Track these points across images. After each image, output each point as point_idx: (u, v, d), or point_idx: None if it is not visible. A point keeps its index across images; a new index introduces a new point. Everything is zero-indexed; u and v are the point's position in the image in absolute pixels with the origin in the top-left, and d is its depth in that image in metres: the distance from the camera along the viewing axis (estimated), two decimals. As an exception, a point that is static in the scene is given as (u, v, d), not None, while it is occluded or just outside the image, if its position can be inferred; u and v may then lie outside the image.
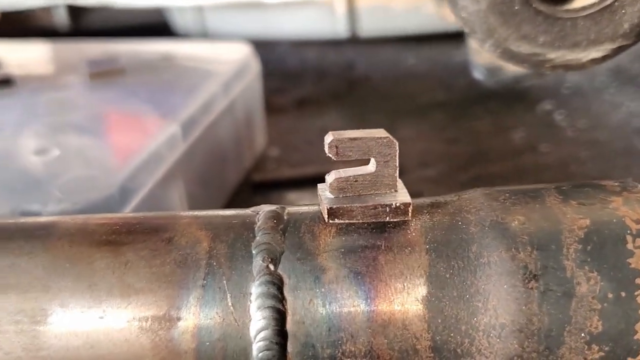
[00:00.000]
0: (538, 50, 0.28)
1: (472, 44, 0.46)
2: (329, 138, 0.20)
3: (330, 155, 0.20)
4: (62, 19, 0.69)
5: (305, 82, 0.59)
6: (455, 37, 0.56)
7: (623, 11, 0.27)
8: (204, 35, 0.68)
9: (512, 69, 0.46)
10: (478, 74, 0.49)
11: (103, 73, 0.36)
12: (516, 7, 0.27)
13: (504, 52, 0.28)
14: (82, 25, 0.72)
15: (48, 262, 0.20)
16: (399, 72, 0.58)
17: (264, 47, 0.69)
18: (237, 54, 0.41)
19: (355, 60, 0.63)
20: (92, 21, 0.75)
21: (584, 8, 0.27)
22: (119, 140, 0.30)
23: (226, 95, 0.38)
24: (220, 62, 0.40)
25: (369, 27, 0.58)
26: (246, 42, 0.43)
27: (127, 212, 0.26)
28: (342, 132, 0.21)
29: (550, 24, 0.27)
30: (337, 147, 0.20)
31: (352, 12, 0.58)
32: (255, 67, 0.42)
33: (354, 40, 0.61)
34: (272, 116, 0.50)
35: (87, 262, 0.20)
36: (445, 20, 0.52)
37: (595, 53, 0.28)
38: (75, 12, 0.69)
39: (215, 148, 0.36)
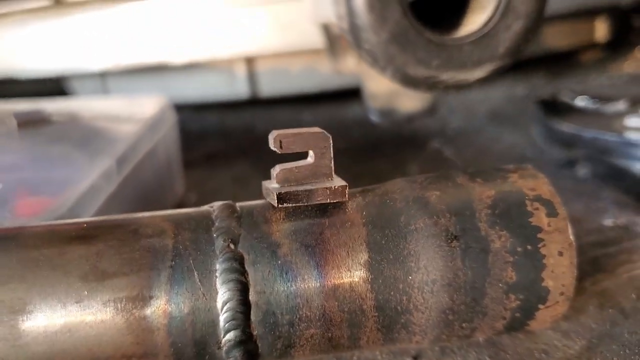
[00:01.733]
0: (432, 73, 0.33)
1: (368, 90, 0.51)
2: (273, 134, 0.24)
3: (274, 149, 0.24)
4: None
5: (210, 140, 0.62)
6: (350, 94, 0.61)
7: (498, 37, 0.33)
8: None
9: (404, 110, 0.52)
10: (374, 117, 0.54)
11: (30, 123, 0.37)
12: (411, 37, 0.32)
13: (403, 76, 0.33)
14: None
15: (23, 257, 0.21)
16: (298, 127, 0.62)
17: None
18: (156, 104, 0.44)
19: (255, 120, 0.67)
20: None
21: (467, 36, 0.33)
22: (55, 175, 0.32)
23: (150, 139, 0.40)
24: (142, 112, 0.42)
25: (268, 87, 0.63)
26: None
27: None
28: (284, 130, 0.24)
29: (440, 50, 0.32)
30: (280, 141, 0.24)
31: (251, 75, 0.62)
32: (172, 116, 0.45)
33: (254, 101, 0.65)
34: (186, 168, 0.52)
35: (60, 254, 0.21)
36: (341, 76, 0.57)
37: (479, 73, 0.33)
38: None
39: (142, 186, 0.38)
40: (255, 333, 0.22)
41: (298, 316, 0.22)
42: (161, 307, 0.21)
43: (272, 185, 0.24)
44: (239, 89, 0.64)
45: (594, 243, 0.34)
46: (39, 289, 0.21)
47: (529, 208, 0.24)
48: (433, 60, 0.32)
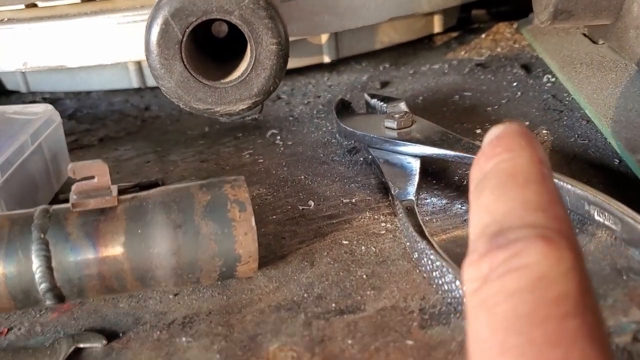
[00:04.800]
0: (209, 107, 0.48)
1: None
2: (70, 166, 0.40)
3: (69, 175, 0.39)
4: None
5: (108, 123, 0.78)
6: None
7: (252, 82, 0.48)
8: (28, 90, 0.84)
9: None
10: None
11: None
12: (191, 84, 0.47)
13: (191, 108, 0.49)
14: None
15: None
16: (182, 111, 0.77)
17: (80, 96, 0.86)
18: (42, 110, 0.59)
19: (151, 103, 0.82)
20: None
21: (231, 80, 0.48)
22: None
23: (34, 140, 0.56)
24: (29, 117, 0.58)
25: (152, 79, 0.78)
26: (62, 98, 0.61)
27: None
28: (77, 162, 0.40)
29: (212, 91, 0.48)
30: (73, 171, 0.39)
31: (140, 69, 0.78)
32: (56, 118, 0.60)
33: (145, 89, 0.81)
34: (79, 152, 0.68)
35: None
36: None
37: (242, 106, 0.49)
38: None
39: (27, 178, 0.54)
40: (58, 285, 0.39)
41: (83, 274, 0.39)
42: (0, 272, 0.38)
43: (72, 196, 0.40)
44: (132, 80, 0.79)
45: (327, 216, 0.50)
46: None
47: (229, 207, 0.40)
48: (209, 98, 0.48)
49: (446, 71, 0.81)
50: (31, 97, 0.86)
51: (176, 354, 0.38)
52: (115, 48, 0.69)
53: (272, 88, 0.49)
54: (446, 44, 0.92)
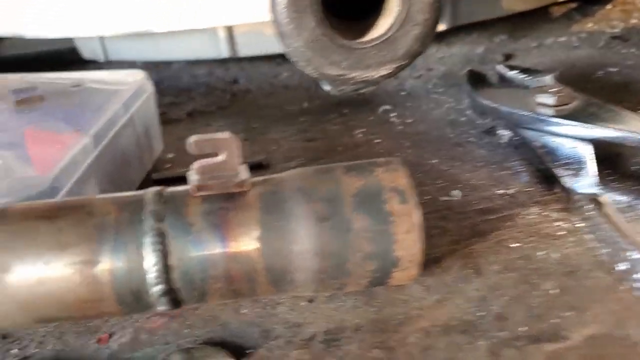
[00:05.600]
0: (343, 72, 0.40)
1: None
2: (190, 139, 0.31)
3: (190, 151, 0.31)
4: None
5: (195, 96, 0.70)
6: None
7: (398, 41, 0.39)
8: (107, 60, 0.77)
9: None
10: (326, 87, 0.61)
11: (26, 100, 0.45)
12: (324, 43, 0.39)
13: (320, 74, 0.40)
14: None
15: (6, 230, 0.30)
16: (275, 85, 0.69)
17: (160, 67, 0.79)
18: (134, 77, 0.52)
19: (238, 75, 0.74)
20: (5, 50, 0.83)
21: (371, 41, 0.39)
22: (44, 151, 0.40)
23: (126, 111, 0.48)
24: (121, 85, 0.50)
25: (246, 48, 0.70)
26: (141, 68, 0.54)
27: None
28: (200, 135, 0.32)
29: (348, 53, 0.39)
30: (195, 146, 0.31)
31: (231, 36, 0.69)
32: (149, 88, 0.52)
33: (234, 59, 0.72)
34: (168, 126, 0.60)
35: (34, 228, 0.30)
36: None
37: (383, 71, 0.40)
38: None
39: (119, 154, 0.46)
40: (176, 287, 0.31)
41: (207, 275, 0.31)
42: (106, 268, 0.30)
43: (192, 177, 0.32)
44: (220, 49, 0.71)
45: (481, 210, 0.42)
46: (19, 254, 0.30)
47: (385, 196, 0.32)
48: (343, 61, 0.39)
49: (577, 44, 0.70)
50: (108, 67, 0.79)
51: (325, 384, 0.30)
52: (208, 10, 0.61)
53: (420, 50, 0.40)
54: (566, 15, 0.81)
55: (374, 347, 0.31)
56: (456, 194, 0.43)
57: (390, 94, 0.63)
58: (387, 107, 0.60)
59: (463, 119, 0.55)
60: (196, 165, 0.32)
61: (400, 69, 0.41)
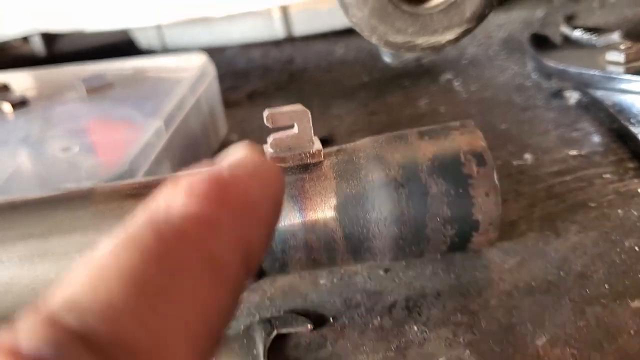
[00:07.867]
0: (409, 39, 0.39)
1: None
2: (266, 112, 0.32)
3: (267, 124, 0.32)
4: (38, 46, 0.79)
5: (253, 78, 0.70)
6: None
7: (465, 5, 0.39)
8: (164, 48, 0.79)
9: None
10: (386, 58, 0.60)
11: (97, 88, 0.46)
12: (389, 11, 0.38)
13: (386, 42, 0.40)
14: (56, 51, 0.82)
15: (94, 210, 0.31)
16: (331, 61, 0.69)
17: (215, 53, 0.80)
18: (197, 61, 0.52)
19: (294, 55, 0.74)
20: (64, 46, 0.85)
21: (437, 5, 0.39)
22: (119, 136, 0.41)
23: (193, 95, 0.49)
24: (185, 70, 0.51)
25: (301, 27, 0.70)
26: (201, 52, 0.54)
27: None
28: (274, 108, 0.32)
29: (414, 19, 0.39)
30: (271, 119, 0.32)
31: (286, 16, 0.69)
32: (212, 70, 0.53)
33: (290, 39, 0.73)
34: (229, 109, 0.61)
35: (120, 208, 0.31)
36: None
37: (450, 36, 0.39)
38: (49, 39, 0.80)
39: (189, 136, 0.47)
40: (258, 258, 0.31)
41: (288, 245, 0.31)
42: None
43: (267, 150, 0.32)
44: (276, 30, 0.71)
45: (555, 172, 0.41)
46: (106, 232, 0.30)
47: (463, 159, 0.31)
48: (409, 28, 0.39)
49: (643, 0, 0.68)
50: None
51: (411, 348, 0.30)
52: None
53: (487, 12, 0.39)
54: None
55: (456, 311, 0.31)
56: (528, 157, 0.43)
57: (452, 63, 0.62)
58: (449, 76, 0.59)
59: (529, 83, 0.54)
60: (271, 138, 0.32)
61: (467, 32, 0.40)
